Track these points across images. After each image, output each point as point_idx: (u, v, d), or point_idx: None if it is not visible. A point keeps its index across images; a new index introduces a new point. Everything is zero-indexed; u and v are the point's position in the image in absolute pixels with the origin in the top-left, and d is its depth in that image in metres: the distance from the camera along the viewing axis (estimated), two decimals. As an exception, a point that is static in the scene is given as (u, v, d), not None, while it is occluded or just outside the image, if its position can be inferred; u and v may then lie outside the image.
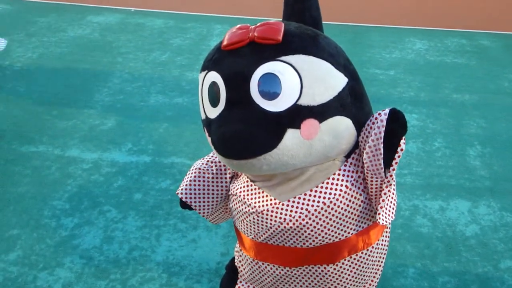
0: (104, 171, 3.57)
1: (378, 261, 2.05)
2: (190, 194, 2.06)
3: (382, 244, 2.00)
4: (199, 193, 2.06)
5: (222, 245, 2.95)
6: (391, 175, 1.68)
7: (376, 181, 1.69)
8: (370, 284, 2.12)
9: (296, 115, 1.54)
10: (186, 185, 2.07)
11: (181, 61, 5.22)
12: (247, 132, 1.54)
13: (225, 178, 2.04)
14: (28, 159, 3.68)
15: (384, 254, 2.07)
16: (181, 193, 2.08)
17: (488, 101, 4.52)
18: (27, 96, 4.53)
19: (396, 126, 1.62)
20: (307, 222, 1.76)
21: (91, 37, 5.80)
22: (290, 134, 1.54)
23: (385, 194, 1.71)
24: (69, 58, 5.27)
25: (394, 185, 1.74)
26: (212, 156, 2.09)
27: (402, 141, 1.64)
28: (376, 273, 2.10)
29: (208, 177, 2.04)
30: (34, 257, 2.88)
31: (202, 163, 2.07)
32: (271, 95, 1.53)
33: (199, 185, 2.05)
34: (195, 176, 2.05)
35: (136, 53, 5.41)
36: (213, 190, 2.05)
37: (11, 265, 2.82)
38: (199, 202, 2.08)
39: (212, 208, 2.11)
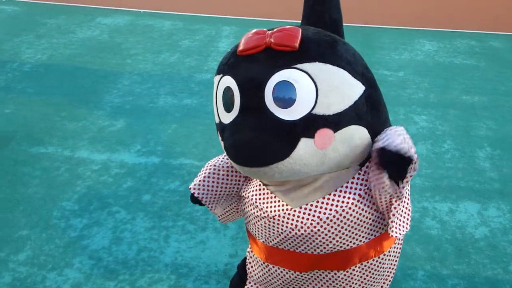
0: (113, 172, 3.57)
1: (389, 268, 2.04)
2: (203, 189, 2.02)
3: (394, 252, 1.99)
4: (212, 190, 2.02)
5: (231, 246, 2.95)
6: (400, 191, 1.65)
7: (385, 197, 1.68)
8: None
9: (311, 124, 1.52)
10: (200, 180, 2.03)
11: (190, 63, 5.23)
12: (260, 140, 1.52)
13: (239, 177, 2.01)
14: (37, 160, 3.70)
15: (396, 261, 2.06)
16: (194, 188, 2.04)
17: (497, 102, 4.50)
18: (36, 98, 4.55)
19: (390, 166, 1.58)
20: (318, 230, 1.74)
21: (100, 39, 5.82)
22: (304, 143, 1.52)
23: (395, 208, 1.70)
24: (78, 60, 5.28)
25: (406, 197, 1.72)
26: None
27: (413, 164, 1.58)
28: (386, 279, 2.09)
29: (223, 174, 2.00)
30: (43, 257, 2.89)
31: (218, 160, 2.03)
32: (286, 103, 1.51)
33: (212, 181, 2.01)
34: (209, 173, 2.01)
35: (145, 54, 5.42)
36: (226, 187, 2.02)
37: (21, 265, 2.83)
38: (211, 198, 2.05)
39: (223, 206, 2.10)
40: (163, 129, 4.08)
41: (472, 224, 3.11)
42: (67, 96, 4.57)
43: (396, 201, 1.69)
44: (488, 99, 4.55)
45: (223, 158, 2.03)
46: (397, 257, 2.05)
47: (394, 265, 2.07)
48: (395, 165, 1.56)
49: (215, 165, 2.01)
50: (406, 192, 1.72)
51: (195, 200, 2.08)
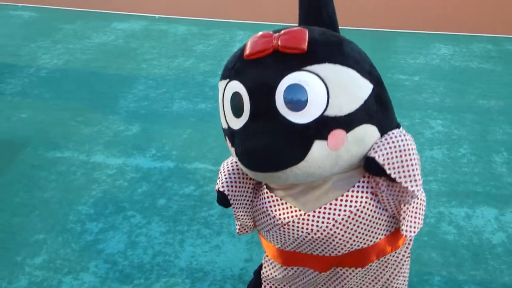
0: (128, 176, 3.59)
1: (405, 262, 2.04)
2: (231, 186, 1.88)
3: (409, 244, 1.99)
4: (238, 185, 1.90)
5: (246, 251, 2.95)
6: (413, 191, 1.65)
7: (394, 201, 1.68)
8: None
9: (323, 126, 1.51)
10: (225, 178, 1.90)
11: (204, 67, 5.24)
12: (273, 145, 1.51)
13: None
14: (53, 164, 3.72)
15: (409, 254, 2.05)
16: (222, 186, 1.88)
17: (514, 107, 4.47)
18: (52, 102, 4.58)
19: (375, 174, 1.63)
20: (335, 232, 1.73)
21: (116, 44, 5.85)
22: (317, 146, 1.51)
23: (405, 208, 1.71)
24: (94, 65, 5.31)
25: (418, 194, 1.70)
26: None
27: (413, 156, 1.62)
28: (403, 276, 2.08)
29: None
30: (59, 261, 2.90)
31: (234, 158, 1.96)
32: (297, 107, 1.50)
33: (238, 177, 1.89)
34: (232, 169, 1.91)
35: (160, 59, 5.44)
36: (251, 181, 1.91)
37: (37, 269, 2.85)
38: (238, 195, 1.90)
39: (248, 204, 1.96)
40: (178, 134, 4.09)
41: (489, 230, 3.08)
42: (83, 101, 4.60)
43: (404, 205, 1.68)
44: (505, 103, 4.51)
45: None
46: (410, 250, 2.04)
47: (408, 259, 2.06)
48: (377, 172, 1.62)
49: (236, 162, 1.93)
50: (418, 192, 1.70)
51: (222, 201, 1.93)
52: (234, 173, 1.90)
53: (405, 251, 1.99)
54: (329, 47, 1.58)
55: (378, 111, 1.63)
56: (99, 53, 5.60)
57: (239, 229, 2.08)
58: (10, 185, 3.50)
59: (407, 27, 6.24)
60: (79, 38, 6.02)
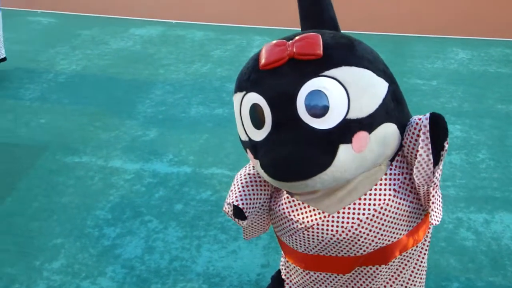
0: (145, 181, 3.60)
1: (423, 256, 2.04)
2: (246, 199, 1.89)
3: (428, 237, 1.99)
4: (254, 198, 1.90)
5: (263, 256, 2.95)
6: (437, 178, 1.66)
7: (424, 185, 1.67)
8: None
9: (347, 129, 1.51)
10: (239, 191, 1.91)
11: (221, 73, 5.25)
12: (300, 154, 1.50)
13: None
14: (71, 169, 3.74)
15: (427, 249, 2.05)
16: (237, 200, 1.89)
17: (533, 111, 4.43)
18: (71, 108, 4.62)
19: (439, 131, 1.59)
20: (360, 231, 1.73)
21: (133, 49, 5.88)
22: (343, 150, 1.51)
23: (433, 196, 1.70)
24: (112, 70, 5.35)
25: (439, 184, 1.72)
26: None
27: (445, 142, 1.61)
28: (422, 268, 2.08)
29: (260, 181, 1.92)
30: (77, 266, 2.92)
31: (250, 169, 1.97)
32: (320, 113, 1.50)
33: (252, 190, 1.91)
34: (246, 182, 1.92)
35: (178, 65, 5.46)
36: (265, 194, 1.93)
37: (55, 274, 2.87)
38: (253, 208, 1.91)
39: (260, 213, 1.97)
40: (195, 139, 4.10)
41: (508, 235, 3.06)
42: (101, 106, 4.63)
43: (433, 188, 1.67)
44: (524, 108, 4.48)
45: (253, 166, 1.97)
46: (428, 245, 2.05)
47: (426, 254, 2.06)
48: (443, 132, 1.58)
49: (249, 174, 1.95)
50: (438, 181, 1.71)
51: (238, 214, 1.93)
52: (247, 186, 1.91)
53: (424, 244, 1.99)
54: (342, 50, 1.58)
55: (396, 109, 1.63)
56: (117, 59, 5.63)
57: (246, 234, 2.12)
58: (28, 190, 3.53)
59: (424, 32, 6.21)
60: (97, 43, 6.06)
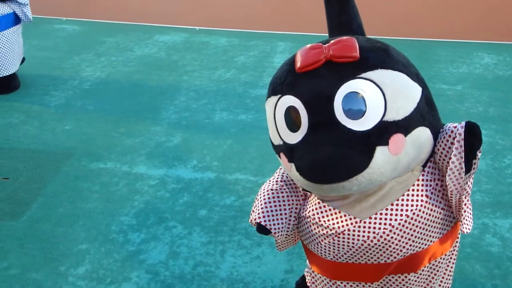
0: (170, 187, 3.61)
1: (451, 266, 2.03)
2: (269, 217, 1.91)
3: (456, 246, 1.99)
4: (277, 214, 1.92)
5: (286, 262, 2.94)
6: (469, 186, 1.66)
7: (457, 195, 1.66)
8: None
9: (384, 131, 1.52)
10: (261, 208, 1.92)
11: (245, 79, 5.26)
12: (338, 155, 1.51)
13: (299, 197, 1.95)
14: (96, 175, 3.77)
15: (455, 258, 2.04)
16: (259, 218, 1.91)
17: (560, 116, 4.37)
18: (96, 114, 4.65)
19: (474, 140, 1.59)
20: (391, 237, 1.72)
21: (157, 56, 5.92)
22: (380, 152, 1.52)
23: (465, 205, 1.69)
24: (136, 77, 5.38)
25: (470, 193, 1.71)
26: (280, 176, 2.00)
27: (478, 151, 1.61)
28: (448, 281, 2.07)
29: (283, 196, 1.93)
30: (102, 271, 2.94)
31: (273, 184, 1.97)
32: (357, 114, 1.51)
33: (275, 206, 1.92)
34: (269, 198, 1.93)
35: (201, 71, 5.48)
36: (290, 210, 1.93)
37: (80, 279, 2.89)
38: (278, 224, 1.92)
39: (288, 230, 1.96)
40: (219, 145, 4.11)
41: (535, 241, 3.02)
42: (125, 113, 4.66)
43: (465, 197, 1.67)
44: (551, 112, 4.42)
45: (276, 181, 1.98)
46: (457, 253, 2.04)
47: (454, 263, 2.05)
48: (478, 141, 1.59)
49: (272, 189, 1.95)
50: (470, 190, 1.71)
51: (262, 230, 1.95)
52: (270, 201, 1.92)
53: (453, 253, 1.98)
54: (378, 53, 1.59)
55: (429, 113, 1.64)
56: (141, 65, 5.67)
57: (280, 245, 2.11)
58: (54, 195, 3.56)
59: (449, 36, 6.17)
60: (121, 50, 6.11)
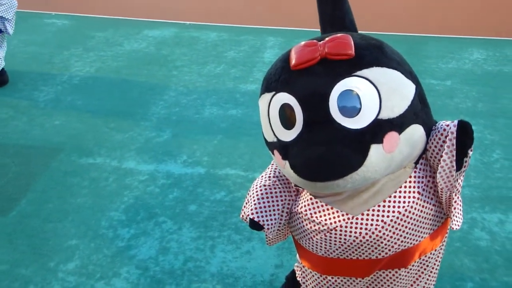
0: (159, 182, 3.61)
1: (439, 261, 2.04)
2: (262, 212, 1.92)
3: (444, 242, 1.99)
4: (270, 210, 1.92)
5: (276, 257, 2.95)
6: (459, 184, 1.67)
7: (447, 192, 1.67)
8: None
9: (378, 129, 1.51)
10: (254, 204, 1.93)
11: (235, 74, 5.25)
12: (333, 153, 1.50)
13: (292, 192, 1.95)
14: (86, 171, 3.76)
15: (442, 256, 2.06)
16: (252, 213, 1.92)
17: (549, 111, 4.40)
18: (85, 109, 4.64)
19: (466, 139, 1.60)
20: (383, 234, 1.73)
21: (147, 51, 5.90)
22: (374, 150, 1.51)
23: (455, 202, 1.70)
24: (125, 72, 5.37)
25: (460, 190, 1.72)
26: (272, 172, 2.00)
27: (470, 149, 1.62)
28: (435, 276, 2.09)
29: (276, 192, 1.93)
30: (91, 267, 2.93)
31: (265, 180, 1.97)
32: (352, 112, 1.50)
33: (268, 202, 1.92)
34: (262, 193, 1.93)
35: (191, 66, 5.47)
36: (283, 205, 1.93)
37: (69, 275, 2.88)
38: (271, 220, 1.93)
39: (280, 225, 1.97)
40: (209, 140, 4.10)
41: (523, 236, 3.04)
42: (115, 108, 4.64)
43: (455, 194, 1.68)
44: (539, 107, 4.45)
45: (269, 176, 1.98)
46: (444, 250, 2.05)
47: (440, 262, 2.07)
48: (470, 140, 1.61)
49: (265, 185, 1.95)
50: (460, 187, 1.72)
51: (254, 226, 1.95)
52: (263, 197, 1.92)
53: (441, 249, 2.00)
54: (373, 50, 1.59)
55: (422, 110, 1.64)
56: (131, 60, 5.65)
57: (270, 240, 2.12)
58: (43, 191, 3.55)
59: (439, 32, 6.19)
60: (111, 45, 6.09)
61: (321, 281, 2.01)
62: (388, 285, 1.97)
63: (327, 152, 1.51)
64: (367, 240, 1.75)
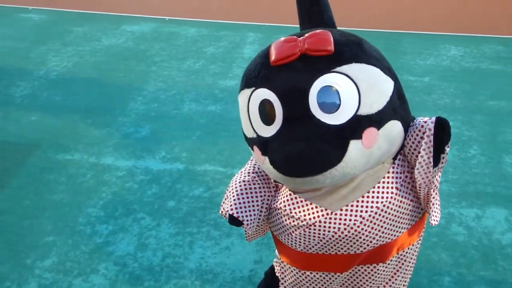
0: (138, 178, 3.59)
1: (414, 258, 2.06)
2: (241, 208, 1.90)
3: (421, 237, 2.01)
4: (249, 206, 1.91)
5: (255, 252, 2.95)
6: (437, 179, 1.69)
7: (425, 188, 1.68)
8: (404, 286, 2.12)
9: (357, 125, 1.52)
10: (233, 200, 1.91)
11: (214, 69, 5.24)
12: (312, 149, 1.51)
13: (271, 188, 1.94)
14: (63, 167, 3.73)
15: (418, 251, 2.08)
16: (231, 209, 1.90)
17: (525, 107, 4.45)
18: (62, 105, 4.60)
19: (443, 135, 1.61)
20: (362, 229, 1.74)
21: (125, 46, 5.86)
22: (353, 146, 1.52)
23: (433, 197, 1.72)
24: (103, 67, 5.33)
25: (438, 186, 1.74)
26: (251, 167, 1.98)
27: (447, 146, 1.64)
28: (411, 270, 2.11)
29: (255, 188, 1.92)
30: (69, 263, 2.91)
31: (245, 176, 1.96)
32: (331, 108, 1.51)
33: (247, 198, 1.91)
34: (241, 189, 1.92)
35: (170, 61, 5.45)
36: (262, 201, 1.92)
37: (46, 272, 2.86)
38: (250, 216, 1.91)
39: (259, 221, 1.96)
40: (188, 136, 4.09)
41: (499, 230, 3.07)
42: (93, 103, 4.61)
43: (433, 190, 1.70)
44: (515, 104, 4.50)
45: (248, 172, 1.97)
46: (419, 248, 2.08)
47: (416, 257, 2.09)
48: (447, 137, 1.62)
49: (244, 181, 1.94)
50: (438, 183, 1.74)
51: (234, 222, 1.93)
52: (242, 193, 1.91)
53: (418, 244, 2.01)
54: (352, 47, 1.59)
55: (401, 106, 1.65)
56: (109, 56, 5.61)
57: (249, 236, 2.10)
58: (20, 187, 3.52)
59: (416, 28, 6.22)
60: (89, 40, 6.04)
61: (300, 276, 2.01)
62: (366, 280, 1.98)
63: (307, 148, 1.51)
64: (346, 235, 1.75)
